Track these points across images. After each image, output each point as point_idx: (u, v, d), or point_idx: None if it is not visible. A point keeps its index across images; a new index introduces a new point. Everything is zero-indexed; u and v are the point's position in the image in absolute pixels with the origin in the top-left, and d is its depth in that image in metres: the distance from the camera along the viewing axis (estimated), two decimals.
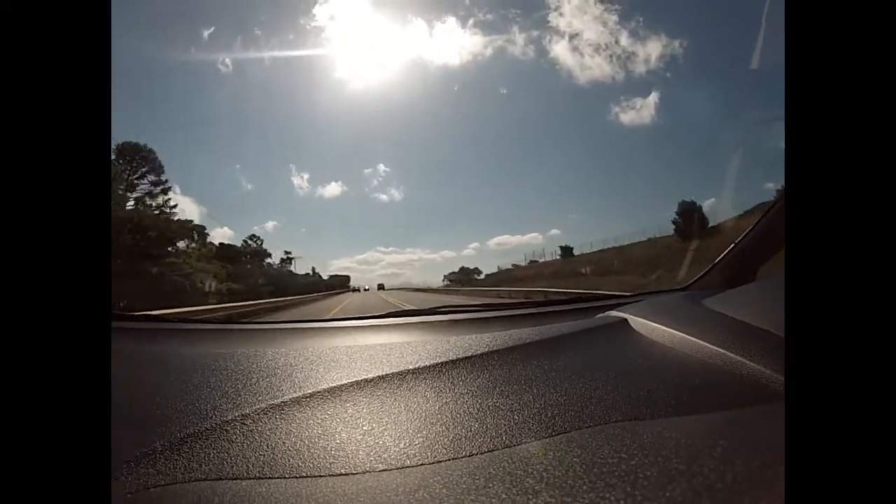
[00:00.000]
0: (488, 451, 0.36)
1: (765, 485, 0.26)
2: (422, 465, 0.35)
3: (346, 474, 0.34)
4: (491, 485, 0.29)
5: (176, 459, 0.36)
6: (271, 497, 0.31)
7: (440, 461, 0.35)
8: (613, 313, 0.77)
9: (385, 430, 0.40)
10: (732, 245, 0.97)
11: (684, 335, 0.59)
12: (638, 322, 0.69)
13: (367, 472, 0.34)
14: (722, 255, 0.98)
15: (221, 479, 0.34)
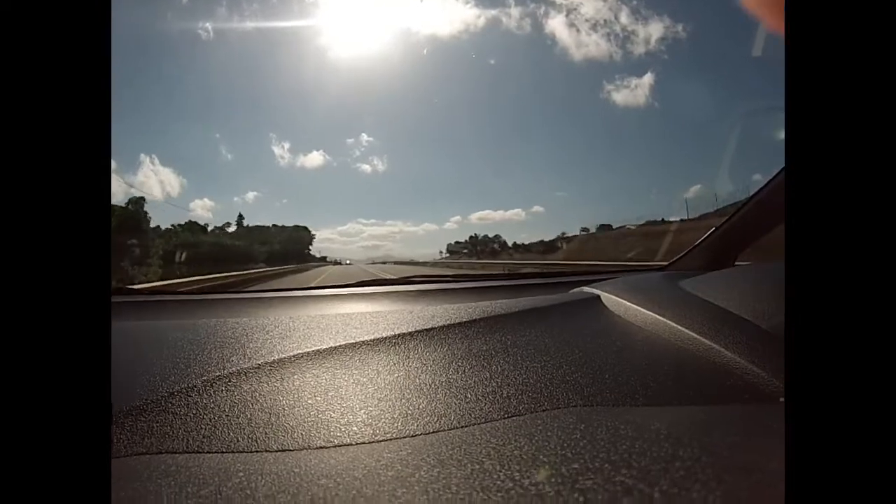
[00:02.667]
0: (433, 432, 0.34)
1: (724, 480, 0.25)
2: (362, 443, 0.33)
3: (286, 450, 0.33)
4: (436, 469, 0.27)
5: (119, 433, 0.35)
6: (209, 470, 0.29)
7: (380, 440, 0.33)
8: (587, 289, 0.74)
9: (329, 404, 0.38)
10: (714, 228, 0.96)
11: (657, 316, 0.57)
12: (611, 300, 0.66)
13: (307, 448, 0.33)
14: (703, 238, 0.98)
15: (162, 452, 0.33)
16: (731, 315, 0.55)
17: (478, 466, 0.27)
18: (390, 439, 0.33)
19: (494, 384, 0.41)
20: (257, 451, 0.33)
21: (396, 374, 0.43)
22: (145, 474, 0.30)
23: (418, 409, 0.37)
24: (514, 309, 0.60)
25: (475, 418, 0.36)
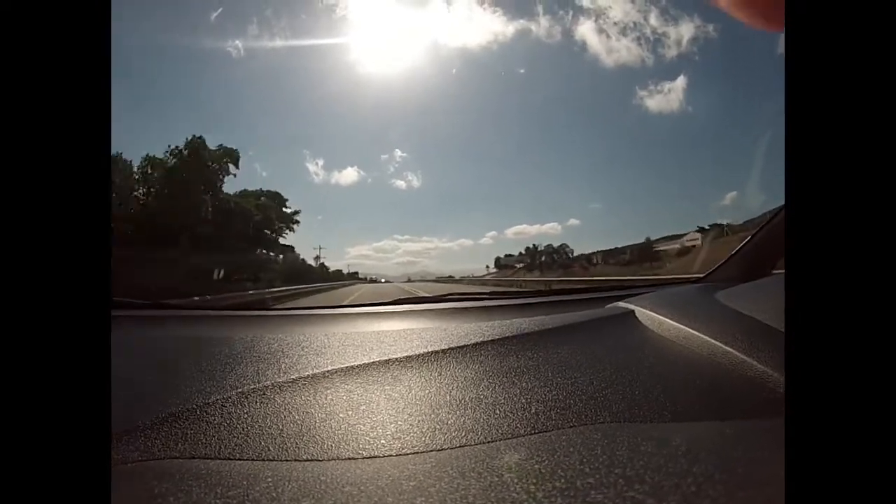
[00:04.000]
0: (459, 447, 0.35)
1: (735, 496, 0.25)
2: (389, 455, 0.34)
3: (314, 460, 0.33)
4: (457, 481, 0.28)
5: (155, 437, 0.36)
6: (238, 476, 0.31)
7: (407, 453, 0.34)
8: (622, 304, 0.74)
9: (360, 418, 0.39)
10: (749, 237, 0.95)
11: (690, 330, 0.56)
12: (645, 314, 0.66)
13: (335, 459, 0.34)
14: (739, 247, 0.97)
15: (195, 458, 0.34)
16: (765, 327, 0.54)
17: (497, 479, 0.27)
18: (417, 452, 0.34)
19: (523, 401, 0.41)
20: (286, 460, 0.34)
21: (427, 390, 0.44)
22: (177, 477, 0.31)
23: (447, 423, 0.38)
24: (547, 326, 0.60)
25: (501, 434, 0.37)
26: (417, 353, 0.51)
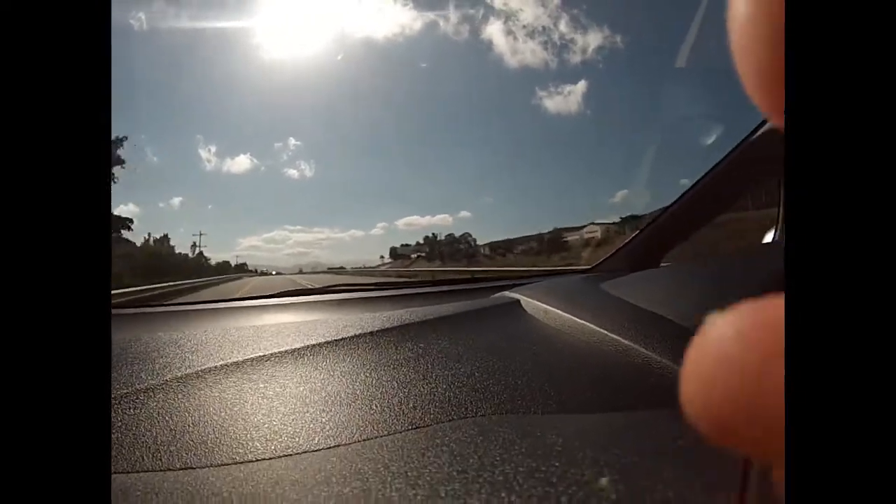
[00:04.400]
0: (330, 447, 0.34)
1: (643, 489, 0.24)
2: (261, 459, 0.33)
3: (186, 468, 0.33)
4: (321, 486, 0.27)
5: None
6: (113, 492, 0.29)
7: (279, 456, 0.33)
8: (508, 294, 0.74)
9: (234, 420, 0.38)
10: (638, 231, 0.96)
11: (576, 319, 0.56)
12: (531, 304, 0.65)
13: (207, 466, 0.33)
14: (628, 240, 0.98)
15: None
16: (651, 314, 0.54)
17: (359, 484, 0.27)
18: (288, 455, 0.33)
19: (402, 394, 0.40)
20: (158, 471, 0.33)
21: (302, 387, 0.42)
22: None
23: (320, 422, 0.37)
24: (430, 316, 0.59)
25: (377, 431, 0.35)
26: (294, 347, 0.49)
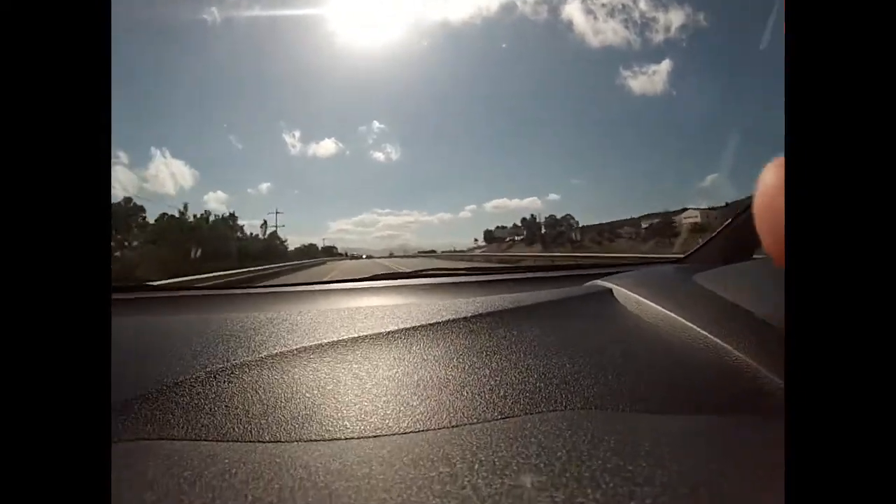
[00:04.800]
0: (419, 431, 0.34)
1: (725, 496, 0.24)
2: (350, 438, 0.34)
3: (275, 441, 0.33)
4: (407, 469, 0.28)
5: (123, 420, 0.37)
6: (201, 458, 0.31)
7: (367, 437, 0.34)
8: (600, 282, 0.73)
9: (325, 398, 0.39)
10: (730, 219, 0.95)
11: (668, 312, 0.55)
12: (623, 294, 0.65)
13: (295, 440, 0.34)
14: (720, 229, 0.97)
15: (161, 439, 0.34)
16: (744, 312, 0.53)
17: (447, 469, 0.27)
18: (377, 436, 0.34)
19: (493, 383, 0.40)
20: (248, 441, 0.34)
21: (394, 370, 0.43)
22: (143, 458, 0.31)
23: (410, 405, 0.37)
24: (523, 303, 0.59)
25: (465, 418, 0.36)
26: (387, 330, 0.50)
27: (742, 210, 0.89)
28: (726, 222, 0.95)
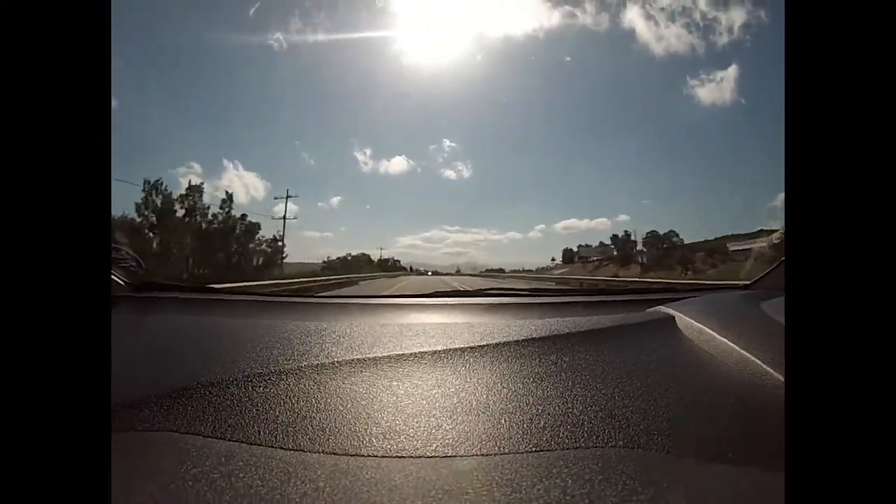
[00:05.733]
0: (444, 457, 0.34)
1: None
2: (372, 455, 0.33)
3: (296, 449, 0.34)
4: (412, 493, 0.28)
5: (157, 412, 0.38)
6: (220, 455, 0.32)
7: (390, 456, 0.34)
8: (663, 309, 0.69)
9: (357, 411, 0.39)
10: None
11: (731, 343, 0.52)
12: (685, 322, 0.61)
13: (317, 451, 0.34)
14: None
15: (188, 433, 0.35)
16: None
17: (465, 497, 0.27)
18: (400, 457, 0.33)
19: (534, 411, 0.39)
20: (269, 446, 0.34)
21: (434, 391, 0.42)
22: (160, 448, 0.32)
23: (442, 429, 0.36)
24: (579, 328, 0.57)
25: (496, 447, 0.34)
26: (434, 349, 0.49)
27: None
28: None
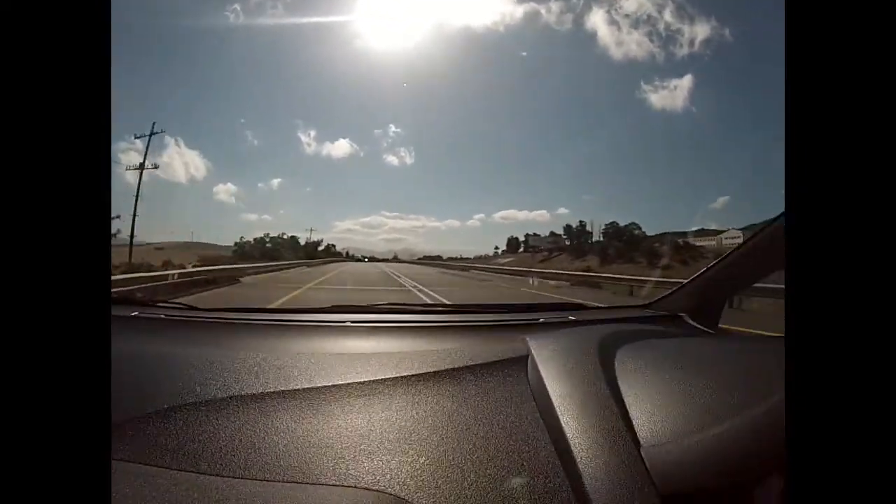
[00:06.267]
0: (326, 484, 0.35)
1: None
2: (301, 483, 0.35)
3: (208, 474, 0.35)
4: None
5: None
6: (133, 478, 0.32)
7: (327, 484, 0.35)
8: (529, 339, 0.59)
9: (275, 441, 0.40)
10: (705, 269, 0.88)
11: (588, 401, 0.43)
12: (545, 361, 0.53)
13: (241, 477, 0.35)
14: (692, 278, 0.90)
15: (129, 461, 0.36)
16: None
17: None
18: (320, 484, 0.35)
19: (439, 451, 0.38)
20: (184, 471, 0.35)
21: (359, 424, 0.42)
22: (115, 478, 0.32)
23: (356, 461, 0.37)
24: (456, 364, 0.53)
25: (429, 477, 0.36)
26: (302, 387, 0.48)
27: (719, 260, 0.80)
28: (701, 270, 0.87)
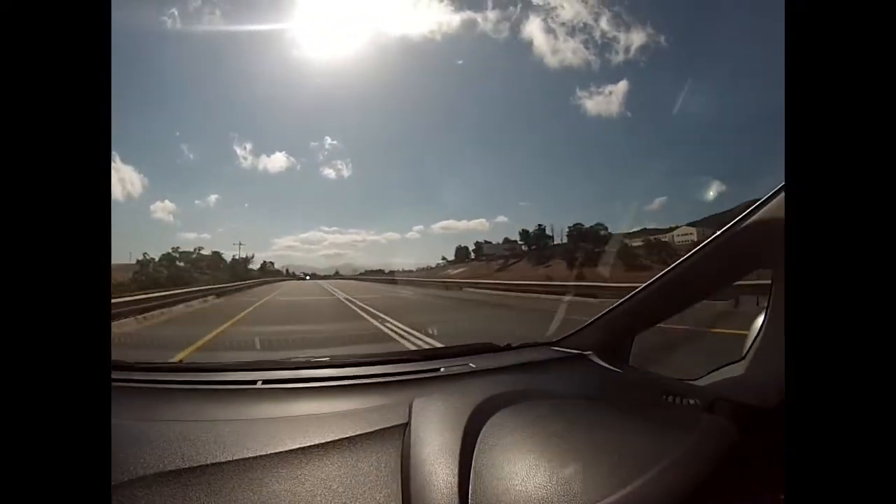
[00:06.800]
0: None
1: None
2: None
3: None
4: None
5: None
6: None
7: None
8: (422, 397, 0.65)
9: None
10: (613, 306, 0.87)
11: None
12: (423, 424, 0.57)
13: None
14: (601, 314, 0.89)
15: None
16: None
17: None
18: None
19: None
20: None
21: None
22: None
23: None
24: (337, 436, 0.55)
25: None
26: (216, 460, 0.48)
27: (627, 298, 0.79)
28: (611, 307, 0.84)
